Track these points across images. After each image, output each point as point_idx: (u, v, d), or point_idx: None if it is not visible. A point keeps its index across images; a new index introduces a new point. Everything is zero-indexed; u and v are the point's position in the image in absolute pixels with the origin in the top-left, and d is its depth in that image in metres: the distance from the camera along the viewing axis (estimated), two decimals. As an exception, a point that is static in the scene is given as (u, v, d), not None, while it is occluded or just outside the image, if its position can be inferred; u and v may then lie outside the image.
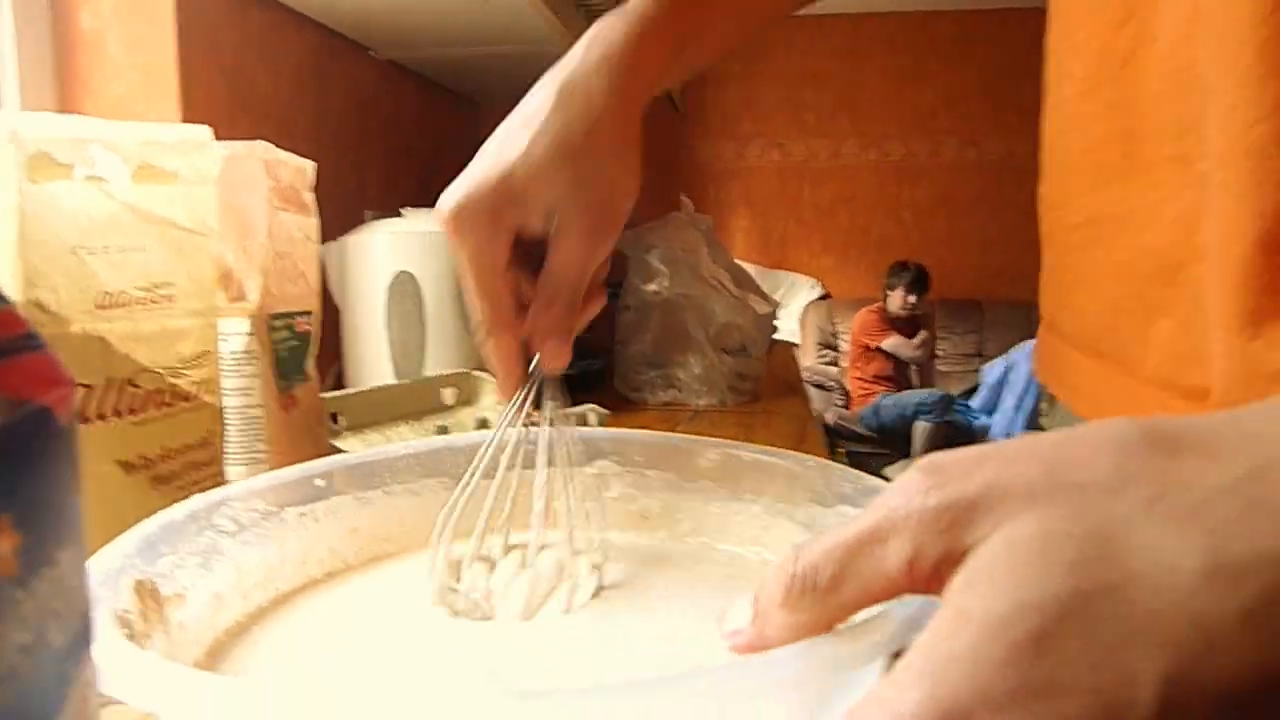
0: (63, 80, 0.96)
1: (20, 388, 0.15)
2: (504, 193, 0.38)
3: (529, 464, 0.41)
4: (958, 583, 0.18)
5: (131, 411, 0.52)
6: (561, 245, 0.38)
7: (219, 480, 0.60)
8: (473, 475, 0.39)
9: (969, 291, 3.63)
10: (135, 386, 0.52)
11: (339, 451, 0.84)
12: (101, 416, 0.50)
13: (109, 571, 0.28)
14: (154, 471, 0.54)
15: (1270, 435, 0.18)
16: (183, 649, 0.31)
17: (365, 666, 0.32)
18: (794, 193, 3.84)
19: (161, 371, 0.53)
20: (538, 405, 0.42)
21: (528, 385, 0.41)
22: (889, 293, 3.24)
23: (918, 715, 0.17)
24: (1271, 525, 0.17)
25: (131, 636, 0.27)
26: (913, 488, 0.19)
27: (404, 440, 0.93)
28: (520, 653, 0.33)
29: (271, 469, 0.71)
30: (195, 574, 0.33)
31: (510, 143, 0.39)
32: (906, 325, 3.25)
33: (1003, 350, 3.21)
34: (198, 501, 0.36)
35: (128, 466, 0.52)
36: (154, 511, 0.54)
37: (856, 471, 0.40)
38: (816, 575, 0.20)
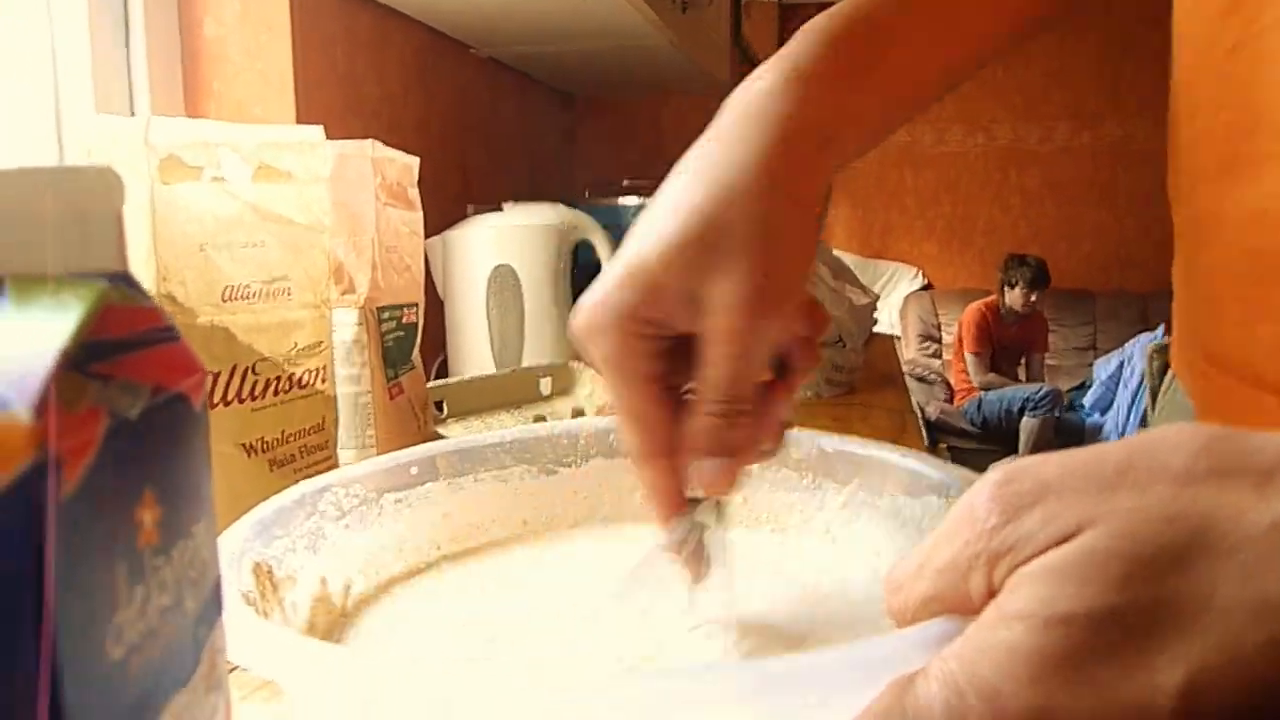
0: (188, 86, 1.02)
1: (160, 376, 0.16)
2: (646, 285, 0.31)
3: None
4: (1011, 584, 0.20)
5: (252, 397, 0.55)
6: (714, 333, 0.31)
7: (332, 464, 0.63)
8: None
9: (1081, 281, 3.47)
10: (255, 374, 0.55)
11: (441, 439, 0.87)
12: (225, 401, 0.54)
13: (232, 554, 0.30)
14: (272, 454, 0.57)
15: None
16: (295, 628, 0.33)
17: (466, 652, 0.33)
18: (895, 180, 3.75)
19: (279, 360, 0.57)
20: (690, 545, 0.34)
21: (686, 524, 0.34)
22: (1007, 289, 3.09)
23: (945, 687, 0.19)
24: None
25: (254, 612, 0.29)
26: (980, 521, 0.21)
27: (505, 423, 0.96)
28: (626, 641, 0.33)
29: (379, 455, 0.74)
30: (304, 557, 0.36)
31: (642, 232, 0.33)
32: (1019, 322, 3.12)
33: (1117, 343, 3.06)
34: (304, 487, 0.38)
35: (249, 449, 0.55)
36: (272, 492, 0.57)
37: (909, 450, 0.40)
38: (906, 614, 0.23)
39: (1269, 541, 0.18)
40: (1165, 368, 0.54)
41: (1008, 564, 0.20)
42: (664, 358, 0.32)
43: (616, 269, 0.32)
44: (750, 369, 0.32)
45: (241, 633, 0.23)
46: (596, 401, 1.05)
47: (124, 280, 0.15)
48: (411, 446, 0.79)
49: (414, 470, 0.43)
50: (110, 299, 0.14)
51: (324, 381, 0.61)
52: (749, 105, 0.35)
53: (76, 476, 0.12)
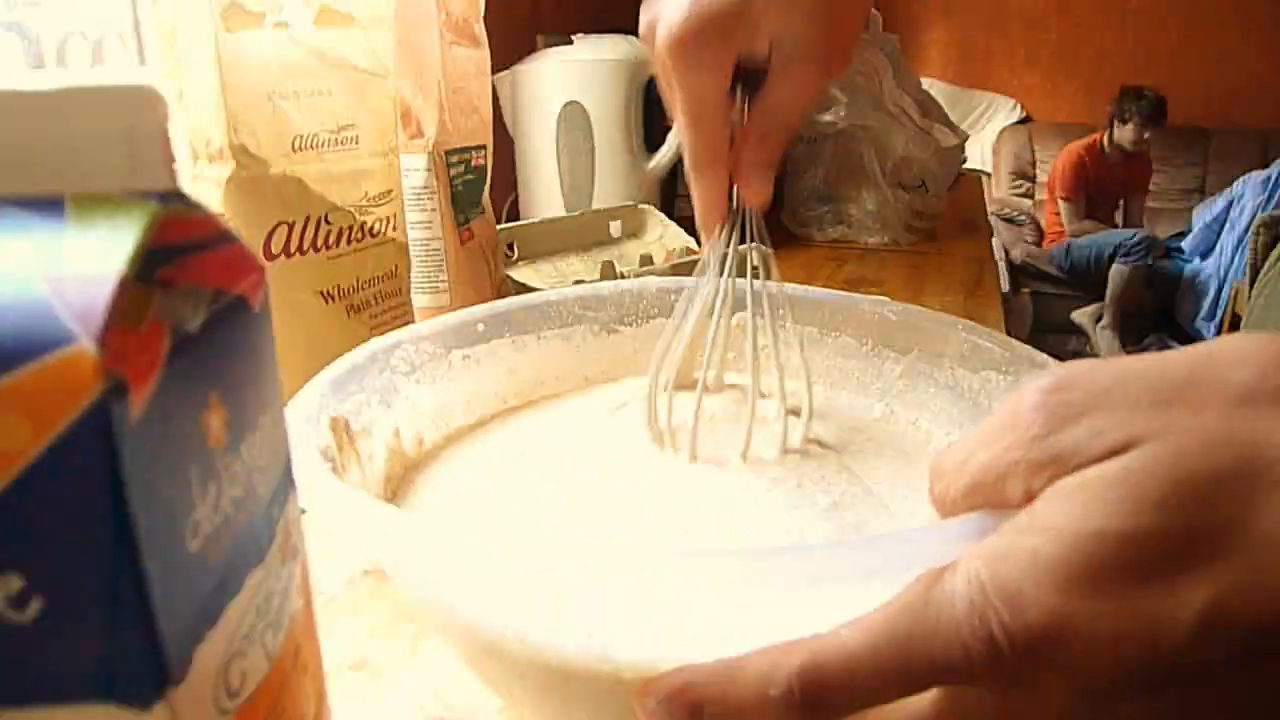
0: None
1: (220, 279, 0.17)
2: (735, 17, 0.35)
3: (738, 307, 0.40)
4: (1049, 493, 0.20)
5: (327, 246, 0.57)
6: (785, 79, 0.36)
7: (406, 309, 0.65)
8: (682, 318, 0.40)
9: (1195, 118, 3.19)
10: (329, 224, 0.56)
11: (513, 282, 0.89)
12: (301, 251, 0.55)
13: (310, 411, 0.32)
14: (349, 301, 0.59)
15: None
16: (371, 481, 0.35)
17: (531, 505, 0.35)
18: (997, 1, 3.44)
19: (351, 209, 0.58)
20: (742, 241, 0.40)
21: (731, 222, 0.39)
22: (1117, 125, 2.85)
23: (970, 585, 0.19)
24: None
25: (333, 468, 0.31)
26: (1024, 429, 0.20)
27: (574, 272, 0.96)
28: (684, 496, 0.35)
29: (451, 299, 0.76)
30: (378, 411, 0.38)
31: None
32: (1124, 162, 2.91)
33: (1228, 185, 2.85)
34: (376, 344, 0.39)
35: (326, 296, 0.57)
36: (349, 338, 0.60)
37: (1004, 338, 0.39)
38: (945, 504, 0.23)
39: None
40: (1275, 242, 0.50)
41: (1048, 475, 0.20)
42: (733, 74, 0.37)
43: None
44: (799, 105, 0.38)
45: (319, 494, 0.25)
46: (666, 246, 1.05)
47: (176, 197, 0.15)
48: (483, 290, 0.81)
49: (480, 327, 0.44)
50: (164, 214, 0.15)
51: (395, 229, 0.62)
52: None
53: (144, 398, 0.13)
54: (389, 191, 0.60)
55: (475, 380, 0.44)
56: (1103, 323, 2.85)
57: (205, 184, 0.53)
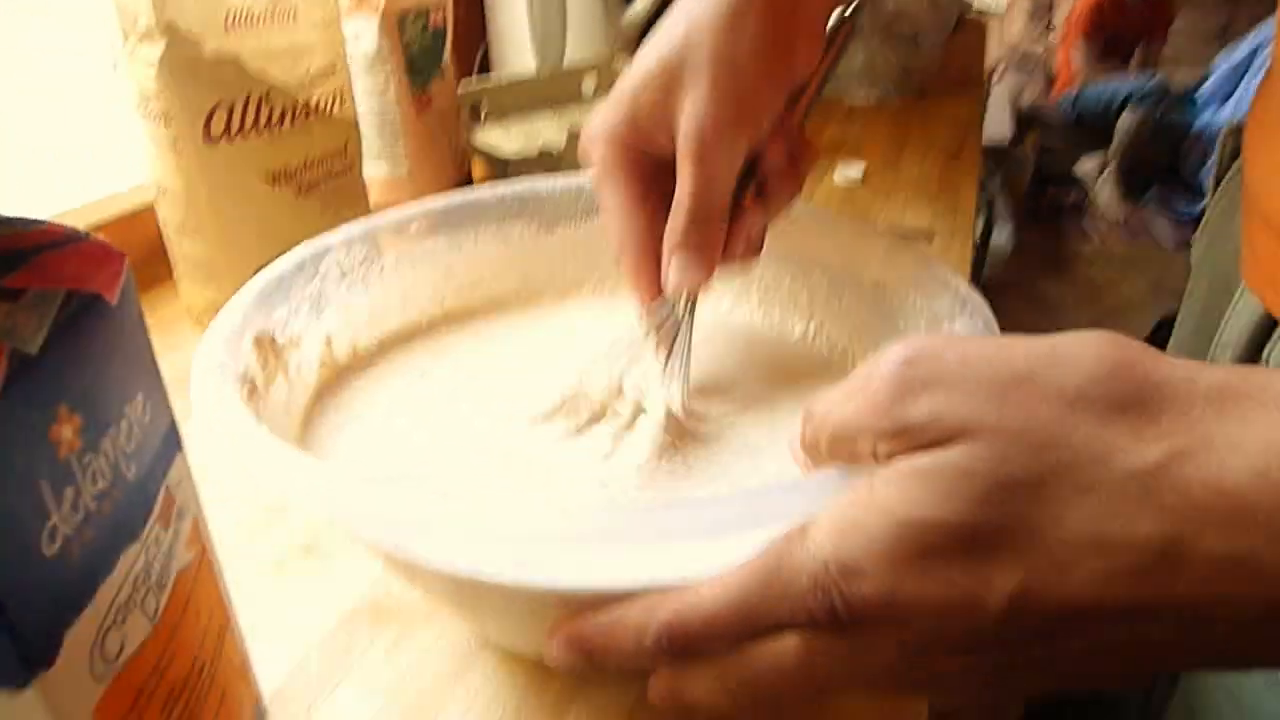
0: None
1: (72, 277, 0.18)
2: (627, 109, 0.35)
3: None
4: (887, 474, 0.21)
5: (269, 126, 0.55)
6: (684, 151, 0.35)
7: (358, 187, 0.64)
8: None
9: (1231, -50, 2.98)
10: (270, 102, 0.55)
11: (477, 149, 0.87)
12: (243, 133, 0.54)
13: (231, 331, 0.33)
14: (297, 182, 0.58)
15: (1205, 417, 0.19)
16: (298, 394, 0.37)
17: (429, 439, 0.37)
18: None
19: (292, 87, 0.56)
20: (673, 332, 0.38)
21: (664, 310, 0.38)
22: None
23: (815, 557, 0.21)
24: (1150, 517, 0.18)
25: (253, 391, 0.32)
26: (874, 395, 0.22)
27: (542, 134, 0.94)
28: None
29: (410, 169, 0.75)
30: (307, 320, 0.38)
31: (635, 61, 0.36)
32: (1146, 3, 2.74)
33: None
34: (304, 250, 0.39)
35: (272, 178, 0.57)
36: (301, 220, 0.59)
37: (938, 261, 0.39)
38: (815, 451, 0.25)
39: (1123, 487, 0.18)
40: (1236, 153, 0.49)
41: (889, 448, 0.21)
42: (650, 172, 0.37)
43: (615, 91, 0.36)
44: (716, 183, 0.35)
45: (223, 441, 0.27)
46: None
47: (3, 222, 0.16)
48: (442, 158, 0.80)
49: (414, 227, 0.44)
50: (-11, 243, 0.15)
51: (342, 104, 0.60)
52: None
53: (-28, 438, 0.14)
54: (332, 65, 0.58)
55: (411, 283, 0.44)
56: (1105, 175, 2.79)
57: (137, 65, 0.51)
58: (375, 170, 0.74)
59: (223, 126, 0.53)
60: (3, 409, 0.15)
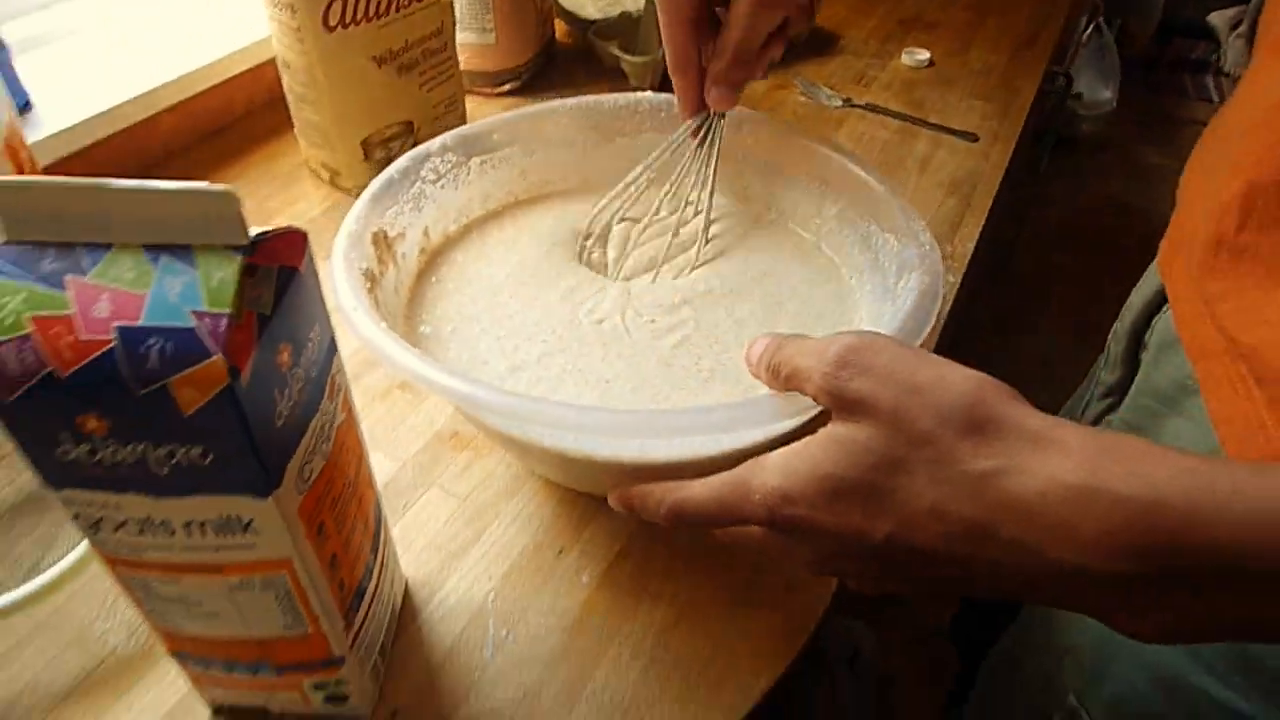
0: None
1: (280, 257, 0.29)
2: None
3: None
4: (818, 436, 0.31)
5: (378, 15, 0.64)
6: (736, 7, 0.45)
7: (452, 62, 0.72)
8: (636, 177, 0.51)
9: None
10: (379, -6, 0.63)
11: (560, 8, 0.92)
12: (355, 22, 0.63)
13: (354, 233, 0.44)
14: (399, 61, 0.67)
15: (1022, 450, 0.27)
16: (405, 274, 0.48)
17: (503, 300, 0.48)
18: None
19: (398, -22, 0.63)
20: (706, 134, 0.51)
21: (702, 117, 0.51)
22: None
23: (765, 484, 0.31)
24: (971, 505, 0.27)
25: (372, 281, 0.44)
26: (826, 360, 0.31)
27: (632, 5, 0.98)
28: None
29: (497, 38, 0.82)
30: (410, 216, 0.49)
31: None
32: None
33: None
34: (406, 160, 0.49)
35: (379, 60, 0.66)
36: (403, 95, 0.68)
37: (913, 210, 0.47)
38: (773, 374, 0.35)
39: (960, 483, 0.27)
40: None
41: (824, 401, 0.31)
42: (703, 18, 0.47)
43: None
44: (757, 33, 0.46)
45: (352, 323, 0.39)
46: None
47: (249, 245, 0.26)
48: (527, 27, 0.86)
49: (495, 137, 0.53)
50: (244, 258, 0.26)
51: (440, -10, 0.67)
52: None
53: (247, 370, 0.26)
54: (434, -44, 0.65)
55: (491, 182, 0.54)
56: (1239, 30, 2.59)
57: (269, -40, 0.59)
58: (465, 38, 0.81)
59: (338, 17, 0.61)
60: (257, 354, 0.26)
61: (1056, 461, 0.26)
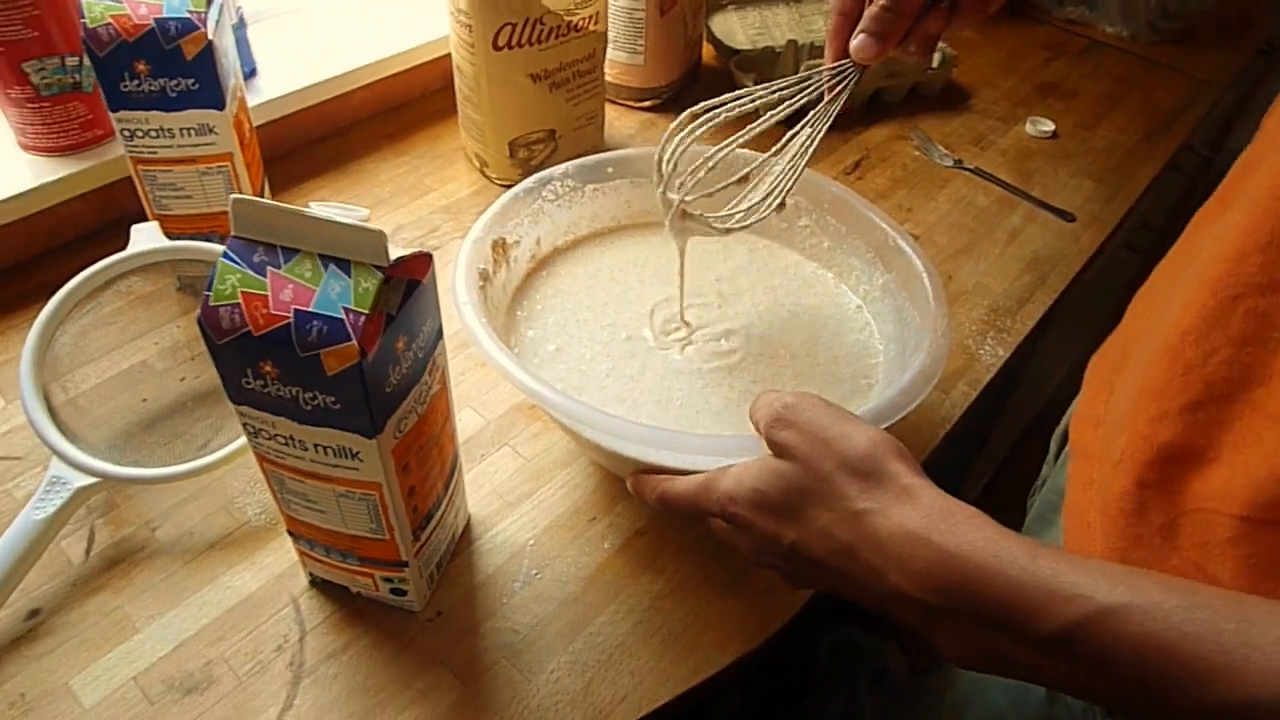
0: None
1: (409, 271, 0.40)
2: None
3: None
4: (758, 461, 0.40)
5: (540, 41, 0.75)
6: None
7: (599, 81, 0.82)
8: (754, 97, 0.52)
9: None
10: (542, 24, 0.74)
11: (710, 34, 1.01)
12: (520, 44, 0.74)
13: (478, 239, 0.55)
14: (552, 80, 0.78)
15: (891, 499, 0.36)
16: (515, 275, 0.59)
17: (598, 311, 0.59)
18: None
19: (561, 12, 0.74)
20: (838, 86, 0.51)
21: (840, 67, 0.51)
22: None
23: (722, 486, 0.41)
24: (847, 532, 0.36)
25: (485, 279, 0.55)
26: (772, 413, 0.40)
27: (777, 24, 1.06)
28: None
29: (646, 61, 0.92)
30: (527, 227, 0.60)
31: None
32: None
33: None
34: (531, 180, 0.60)
35: (534, 77, 0.77)
36: (552, 107, 0.79)
37: (943, 295, 0.54)
38: (751, 422, 0.44)
39: (844, 514, 0.37)
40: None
41: (767, 443, 0.41)
42: None
43: None
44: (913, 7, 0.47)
45: (463, 315, 0.50)
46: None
47: (389, 265, 0.38)
48: (675, 50, 0.96)
49: (610, 169, 0.64)
50: (384, 276, 0.38)
51: (596, 24, 0.77)
52: None
53: (373, 351, 0.37)
54: (595, -5, 0.75)
55: (600, 206, 0.64)
56: None
57: (457, -11, 0.71)
58: (616, 56, 0.91)
59: (506, 39, 0.73)
60: (382, 340, 0.38)
61: (908, 512, 0.35)
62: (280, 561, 0.54)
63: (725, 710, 0.73)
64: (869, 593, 0.36)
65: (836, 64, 0.51)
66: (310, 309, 0.37)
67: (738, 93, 0.52)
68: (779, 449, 0.40)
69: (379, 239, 0.37)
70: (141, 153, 0.61)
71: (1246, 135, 0.43)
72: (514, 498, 0.58)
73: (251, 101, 0.79)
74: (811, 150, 0.52)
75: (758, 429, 0.44)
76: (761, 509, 0.40)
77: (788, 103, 0.52)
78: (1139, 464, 0.38)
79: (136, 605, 0.51)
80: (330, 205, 0.68)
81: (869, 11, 0.48)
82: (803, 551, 0.38)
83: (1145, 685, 0.28)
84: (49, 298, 0.56)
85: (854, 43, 0.49)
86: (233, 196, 0.37)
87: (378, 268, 0.37)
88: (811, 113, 0.52)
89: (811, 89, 0.52)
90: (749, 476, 0.40)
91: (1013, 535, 0.33)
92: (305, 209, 0.37)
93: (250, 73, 0.82)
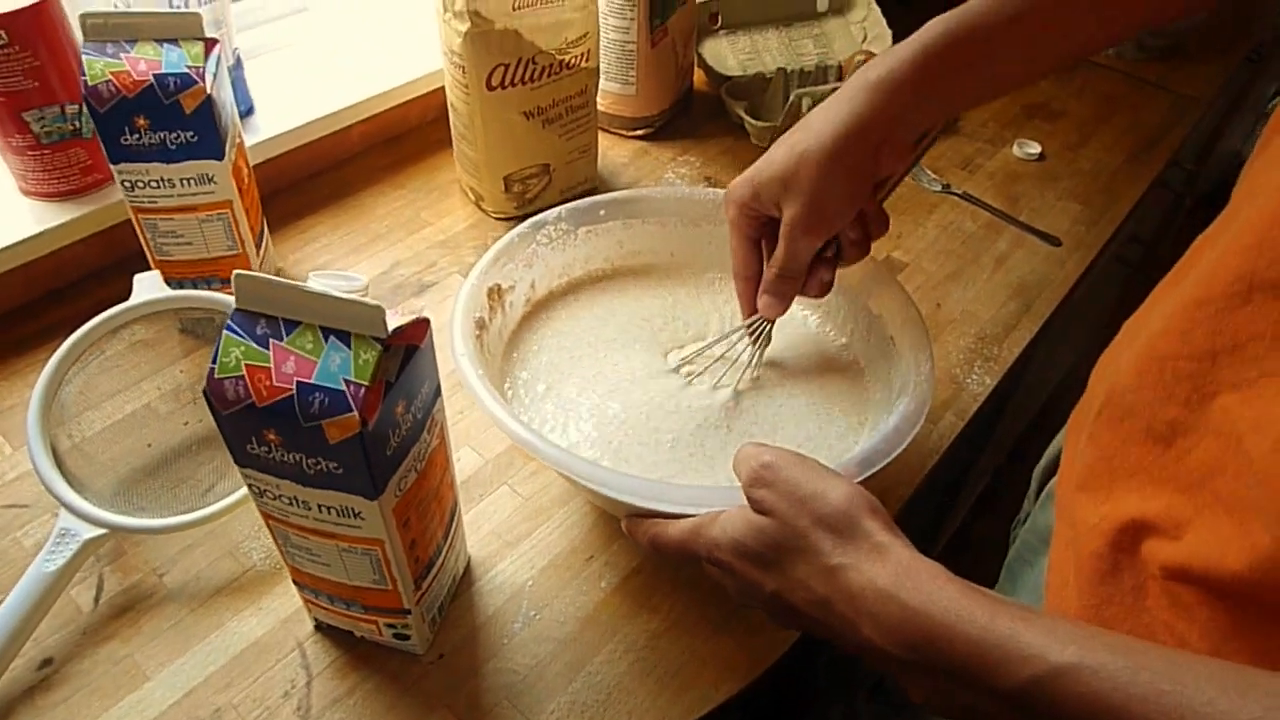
0: None
1: (408, 337, 0.41)
2: (751, 189, 0.54)
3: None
4: (742, 514, 0.42)
5: (532, 80, 0.76)
6: (780, 234, 0.53)
7: (591, 116, 0.84)
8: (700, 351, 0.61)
9: None
10: (535, 64, 0.75)
11: (701, 60, 1.02)
12: (513, 84, 0.75)
13: (474, 287, 0.57)
14: (545, 116, 0.79)
15: (862, 556, 0.37)
16: (510, 320, 0.61)
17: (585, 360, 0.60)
18: None
19: (552, 51, 0.75)
20: (758, 335, 0.59)
21: (756, 319, 0.59)
22: None
23: (709, 534, 0.43)
24: (822, 585, 0.38)
25: (481, 326, 0.56)
26: (752, 469, 0.42)
27: (768, 49, 1.07)
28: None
29: (638, 91, 0.93)
30: (521, 271, 0.61)
31: (770, 151, 0.53)
32: None
33: None
34: (525, 226, 0.62)
35: (527, 115, 0.78)
36: (544, 143, 0.81)
37: (927, 337, 0.56)
38: (736, 473, 0.45)
39: (819, 567, 0.38)
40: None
41: (748, 498, 0.42)
42: (762, 224, 0.56)
43: (751, 169, 0.54)
44: (797, 259, 0.54)
45: (460, 363, 0.51)
46: (868, 30, 1.11)
47: (387, 335, 0.39)
48: (667, 79, 0.97)
49: (602, 212, 0.65)
50: (382, 347, 0.39)
51: (588, 61, 0.79)
52: (851, 89, 0.50)
53: (374, 420, 0.38)
54: (585, 34, 0.77)
55: (593, 248, 0.66)
56: None
57: (449, 30, 0.72)
58: (608, 87, 0.93)
59: (499, 80, 0.74)
60: (382, 409, 0.39)
61: (879, 569, 0.37)
62: (286, 606, 0.55)
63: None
64: (845, 641, 0.38)
65: (750, 320, 0.59)
66: (312, 381, 0.38)
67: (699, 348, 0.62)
68: (758, 506, 0.42)
69: (377, 313, 0.38)
70: (142, 203, 0.63)
71: (1233, 145, 0.45)
72: (513, 537, 0.59)
73: (249, 140, 0.80)
74: (753, 374, 0.61)
75: (738, 478, 0.45)
76: (743, 558, 0.42)
77: (728, 351, 0.61)
78: (1113, 527, 0.40)
79: (146, 653, 0.52)
80: (330, 274, 0.69)
81: (766, 276, 0.56)
82: (783, 599, 0.40)
83: None
84: (52, 341, 0.57)
85: (760, 303, 0.57)
86: (236, 272, 0.39)
87: (377, 339, 0.39)
88: (749, 351, 0.60)
89: (740, 341, 0.60)
90: (732, 528, 0.42)
91: (975, 593, 0.34)
92: (305, 284, 0.39)
93: (247, 111, 0.83)
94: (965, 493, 1.40)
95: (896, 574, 0.36)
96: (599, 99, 0.88)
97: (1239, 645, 0.34)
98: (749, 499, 0.42)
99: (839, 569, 0.38)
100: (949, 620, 0.33)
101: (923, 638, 0.34)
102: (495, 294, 0.59)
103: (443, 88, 0.89)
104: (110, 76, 0.58)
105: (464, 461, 0.63)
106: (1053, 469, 0.58)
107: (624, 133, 0.97)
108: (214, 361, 0.39)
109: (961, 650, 0.33)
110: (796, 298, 0.57)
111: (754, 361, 0.60)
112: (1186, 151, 1.28)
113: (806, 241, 0.53)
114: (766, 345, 0.60)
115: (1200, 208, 2.09)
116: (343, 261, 0.79)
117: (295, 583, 0.50)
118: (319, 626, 0.54)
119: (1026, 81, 0.52)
